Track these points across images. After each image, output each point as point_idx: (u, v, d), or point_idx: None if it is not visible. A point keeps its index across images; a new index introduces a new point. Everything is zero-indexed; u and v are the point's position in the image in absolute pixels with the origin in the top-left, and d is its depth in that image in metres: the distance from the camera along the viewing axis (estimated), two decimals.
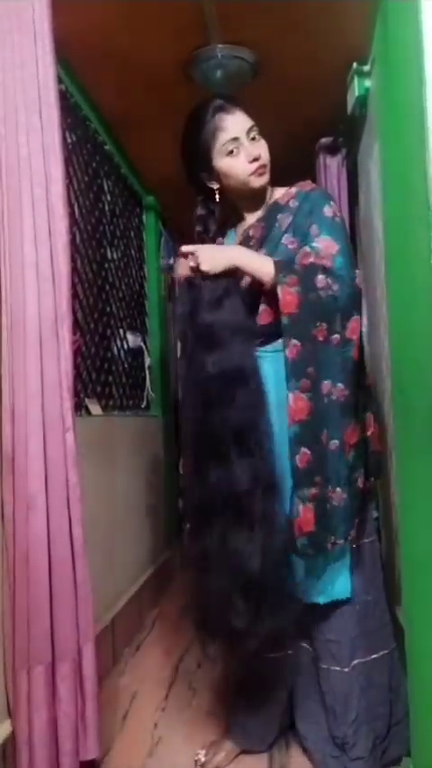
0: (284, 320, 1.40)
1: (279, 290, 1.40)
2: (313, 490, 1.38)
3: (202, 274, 1.43)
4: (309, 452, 1.39)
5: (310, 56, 2.14)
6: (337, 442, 1.42)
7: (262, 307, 1.50)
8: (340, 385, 1.42)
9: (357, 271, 1.51)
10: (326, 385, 1.41)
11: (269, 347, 1.51)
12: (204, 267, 1.42)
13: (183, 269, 1.47)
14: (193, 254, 1.44)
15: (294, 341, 1.39)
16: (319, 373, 1.40)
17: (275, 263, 1.43)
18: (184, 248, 1.47)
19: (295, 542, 1.38)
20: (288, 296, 1.40)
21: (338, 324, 1.43)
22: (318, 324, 1.40)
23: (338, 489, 1.42)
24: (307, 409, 1.39)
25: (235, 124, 1.50)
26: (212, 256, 1.44)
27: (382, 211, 1.62)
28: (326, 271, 1.44)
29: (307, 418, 1.39)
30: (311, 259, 1.46)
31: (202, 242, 1.61)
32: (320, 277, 1.42)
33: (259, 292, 1.49)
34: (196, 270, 1.43)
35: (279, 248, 1.52)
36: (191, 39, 2.04)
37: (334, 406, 1.42)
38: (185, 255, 1.46)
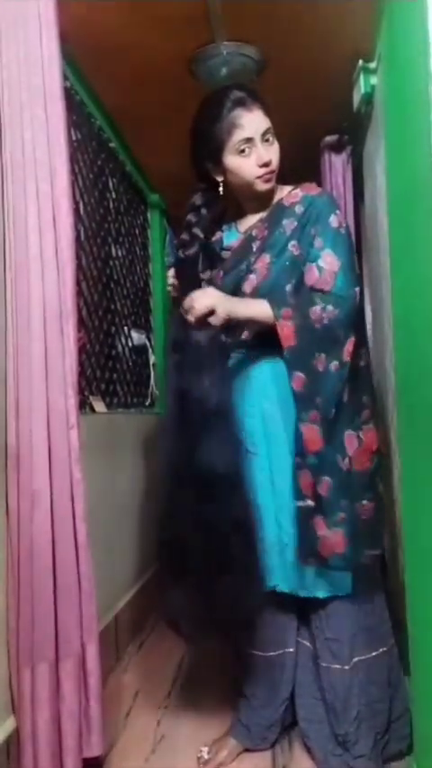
0: (286, 354, 1.44)
1: (277, 325, 1.44)
2: (341, 514, 1.43)
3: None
4: (329, 479, 1.44)
5: (315, 53, 2.13)
6: (347, 461, 1.47)
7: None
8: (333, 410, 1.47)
9: (356, 288, 1.52)
10: (332, 412, 1.45)
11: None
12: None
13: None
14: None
15: (298, 373, 1.44)
16: (325, 403, 1.44)
17: (269, 301, 1.46)
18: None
19: (326, 560, 1.44)
20: (285, 329, 1.44)
21: (335, 350, 1.45)
22: (316, 354, 1.44)
23: (365, 502, 1.47)
24: (321, 440, 1.43)
25: (252, 123, 1.48)
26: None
27: (388, 209, 1.61)
28: (324, 296, 1.46)
29: (321, 448, 1.44)
30: (312, 282, 1.48)
31: (190, 231, 1.61)
32: (316, 308, 1.44)
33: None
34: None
35: (285, 253, 1.52)
36: (196, 36, 2.04)
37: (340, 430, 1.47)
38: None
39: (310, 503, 1.44)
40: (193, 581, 1.41)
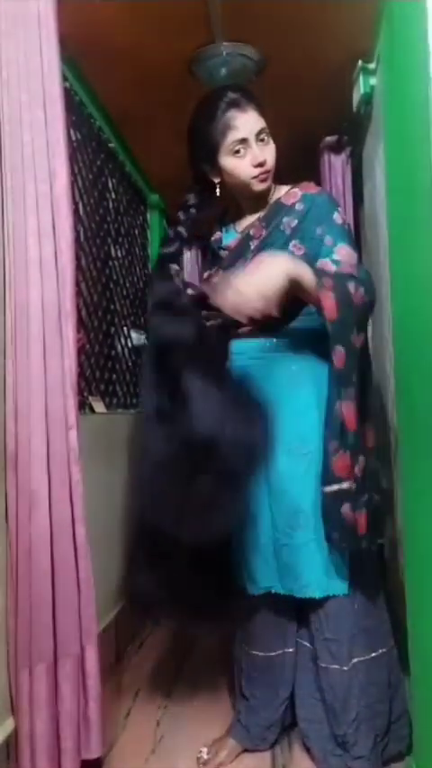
0: (329, 327, 1.38)
1: (321, 295, 1.36)
2: (365, 495, 1.44)
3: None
4: (363, 459, 1.44)
5: (314, 53, 2.13)
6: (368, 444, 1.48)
7: None
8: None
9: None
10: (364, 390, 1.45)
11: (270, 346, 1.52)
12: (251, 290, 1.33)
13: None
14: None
15: (339, 348, 1.38)
16: (360, 380, 1.42)
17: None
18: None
19: (348, 538, 1.43)
20: (328, 300, 1.36)
21: (364, 330, 1.44)
22: (354, 330, 1.39)
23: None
24: (358, 419, 1.41)
25: (246, 124, 1.48)
26: (264, 275, 1.34)
27: (387, 209, 1.61)
28: (353, 278, 1.42)
29: (359, 427, 1.42)
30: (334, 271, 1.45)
31: (175, 228, 1.62)
32: (351, 284, 1.39)
33: None
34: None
35: (284, 253, 1.51)
36: (195, 36, 2.04)
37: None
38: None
39: (345, 485, 1.40)
40: (168, 567, 1.43)
